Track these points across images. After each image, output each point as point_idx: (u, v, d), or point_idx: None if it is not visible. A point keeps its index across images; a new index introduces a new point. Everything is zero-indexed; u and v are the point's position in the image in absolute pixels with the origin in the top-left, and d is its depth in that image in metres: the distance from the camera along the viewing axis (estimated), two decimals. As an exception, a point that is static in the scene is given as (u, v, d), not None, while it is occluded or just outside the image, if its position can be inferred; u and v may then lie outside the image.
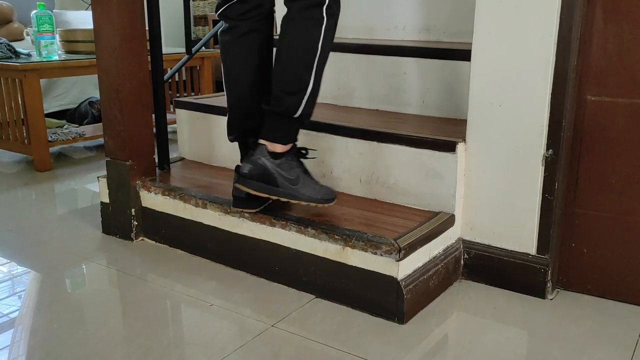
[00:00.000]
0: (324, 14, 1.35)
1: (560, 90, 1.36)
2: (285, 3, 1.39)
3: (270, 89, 1.43)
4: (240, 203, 1.50)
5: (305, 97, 1.39)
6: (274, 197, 1.44)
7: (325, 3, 1.34)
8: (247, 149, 1.48)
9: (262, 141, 1.42)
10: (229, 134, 1.56)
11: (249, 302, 1.44)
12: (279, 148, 1.42)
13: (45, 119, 2.67)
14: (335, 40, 2.01)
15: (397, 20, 2.06)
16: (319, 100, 1.99)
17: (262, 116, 1.45)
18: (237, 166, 1.48)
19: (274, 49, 1.45)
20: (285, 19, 1.38)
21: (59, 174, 2.62)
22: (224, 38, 1.50)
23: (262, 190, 1.42)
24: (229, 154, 1.88)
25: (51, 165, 2.66)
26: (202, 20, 4.81)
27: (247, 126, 1.51)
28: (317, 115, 1.77)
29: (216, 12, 1.48)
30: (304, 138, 1.71)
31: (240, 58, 1.48)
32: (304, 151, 1.47)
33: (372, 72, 1.88)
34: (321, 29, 1.35)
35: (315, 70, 1.38)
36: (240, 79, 1.49)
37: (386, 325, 1.33)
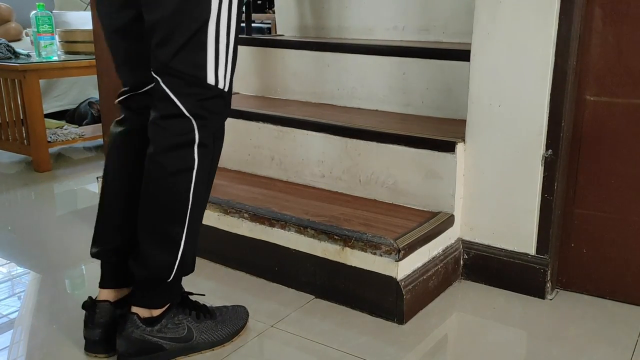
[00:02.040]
0: (195, 155, 1.06)
1: (559, 91, 1.36)
2: (149, 134, 1.08)
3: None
4: (94, 347, 1.21)
5: (179, 257, 1.12)
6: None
7: (195, 141, 1.06)
8: (114, 271, 1.22)
9: (133, 309, 1.15)
10: (93, 245, 1.23)
11: (249, 302, 1.44)
12: (155, 312, 1.15)
13: (45, 119, 2.66)
14: (335, 41, 2.02)
15: (396, 21, 2.06)
16: (319, 100, 2.01)
17: (133, 237, 1.18)
18: (87, 302, 1.21)
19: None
20: (147, 158, 1.08)
21: (58, 174, 2.62)
22: (117, 130, 1.20)
23: None
24: (228, 153, 1.88)
25: (51, 166, 2.66)
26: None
27: (120, 241, 1.21)
28: (316, 116, 1.78)
29: (117, 98, 1.21)
30: (300, 137, 1.71)
31: (128, 156, 1.19)
32: (188, 296, 1.23)
33: (371, 73, 1.88)
34: (191, 175, 1.07)
35: (188, 226, 1.10)
36: (122, 180, 1.20)
37: (385, 326, 1.33)
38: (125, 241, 1.20)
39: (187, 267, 1.16)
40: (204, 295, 1.29)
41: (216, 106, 1.08)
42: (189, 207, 1.09)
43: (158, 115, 1.07)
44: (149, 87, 1.14)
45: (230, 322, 1.26)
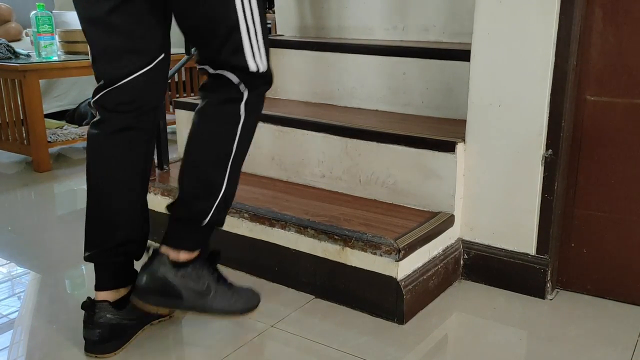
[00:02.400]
0: (242, 112, 1.17)
1: (559, 91, 1.36)
2: (200, 95, 1.22)
3: (144, 201, 1.25)
4: (94, 347, 1.22)
5: (216, 203, 1.19)
6: (180, 311, 1.25)
7: (243, 99, 1.16)
8: (109, 273, 1.23)
9: (163, 249, 1.19)
10: (86, 249, 1.24)
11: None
12: (183, 256, 1.19)
13: (45, 119, 2.66)
14: (335, 41, 2.03)
15: (396, 21, 2.06)
16: (319, 100, 2.01)
17: (139, 233, 1.25)
18: (86, 302, 1.23)
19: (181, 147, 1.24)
20: (198, 111, 1.20)
21: (58, 174, 2.62)
22: (93, 132, 1.20)
23: (163, 304, 1.21)
24: (229, 154, 1.88)
25: (50, 166, 2.66)
26: (201, 20, 4.81)
27: (112, 243, 1.22)
28: (317, 116, 1.78)
29: (92, 98, 1.21)
30: (300, 137, 1.71)
31: (112, 160, 1.19)
32: (216, 255, 1.26)
33: (371, 73, 1.88)
34: (237, 128, 1.17)
35: (229, 173, 1.19)
36: (108, 185, 1.21)
37: (386, 326, 1.33)
38: (123, 240, 1.22)
39: (222, 215, 1.23)
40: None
41: (260, 82, 1.19)
42: (232, 157, 1.18)
43: (210, 85, 1.19)
44: (125, 80, 1.15)
45: (245, 297, 1.29)
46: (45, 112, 2.75)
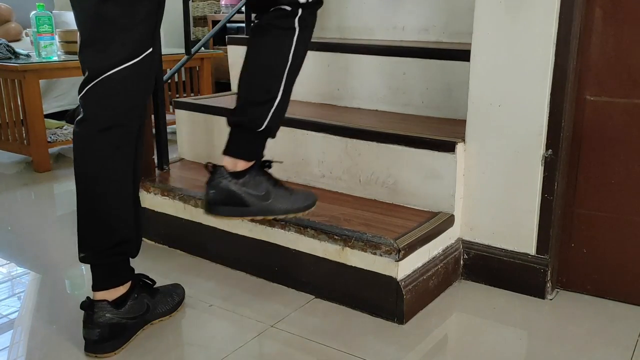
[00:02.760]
0: (296, 25, 1.27)
1: (559, 91, 1.36)
2: (255, 13, 1.34)
3: (136, 199, 1.26)
4: (94, 347, 1.22)
5: (272, 109, 1.28)
6: (249, 219, 1.35)
7: (298, 14, 1.26)
8: (106, 272, 1.24)
9: (223, 160, 1.30)
10: (80, 250, 1.24)
11: (249, 302, 1.44)
12: (240, 166, 1.29)
13: (45, 119, 2.66)
14: (335, 41, 2.02)
15: (396, 21, 2.06)
16: (319, 100, 2.01)
17: (134, 232, 1.25)
18: (85, 302, 1.23)
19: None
20: (254, 27, 1.30)
21: (58, 174, 2.62)
22: (79, 130, 1.17)
23: (233, 213, 1.31)
24: (229, 154, 1.88)
25: (50, 166, 2.66)
26: (201, 20, 4.81)
27: (108, 244, 1.21)
28: (317, 116, 1.78)
29: (78, 93, 1.18)
30: (300, 137, 1.71)
31: (101, 160, 1.17)
32: (267, 163, 1.36)
33: (371, 73, 1.88)
34: (292, 39, 1.27)
35: (285, 82, 1.28)
36: (100, 185, 1.19)
37: (386, 326, 1.33)
38: (119, 241, 1.22)
39: (276, 123, 1.31)
40: (281, 162, 1.50)
41: (311, 7, 1.30)
42: (287, 68, 1.27)
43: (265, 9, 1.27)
44: (111, 72, 1.13)
45: (303, 196, 1.39)
46: (45, 112, 2.74)
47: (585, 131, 1.41)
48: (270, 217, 1.35)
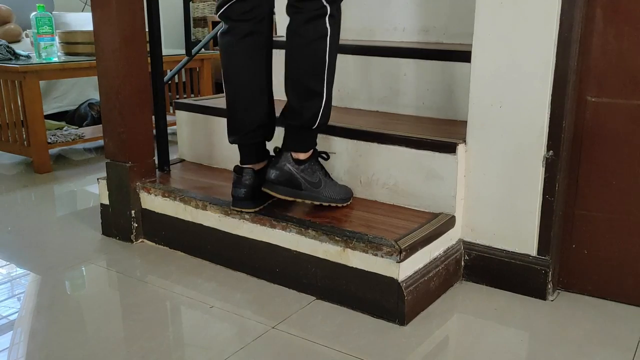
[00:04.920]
0: (327, 25, 1.37)
1: (560, 91, 1.36)
2: (288, 13, 1.41)
3: (270, 92, 1.51)
4: (239, 203, 1.53)
5: (322, 108, 1.44)
6: (299, 200, 1.49)
7: (327, 13, 1.37)
8: (250, 151, 1.52)
9: (286, 150, 1.48)
10: (230, 135, 1.54)
11: (250, 303, 1.44)
12: (302, 156, 1.47)
13: (45, 120, 2.66)
14: (335, 42, 2.02)
15: (396, 22, 2.06)
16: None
17: (269, 118, 1.52)
18: (237, 167, 1.53)
19: (284, 58, 1.45)
20: (289, 32, 1.41)
21: (58, 175, 2.62)
22: (224, 40, 1.49)
23: (288, 194, 1.47)
24: (229, 155, 1.88)
25: (51, 167, 2.66)
26: (201, 21, 4.81)
27: (250, 128, 1.51)
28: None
29: (217, 12, 1.48)
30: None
31: (241, 60, 1.47)
32: (324, 154, 1.53)
33: (371, 74, 1.88)
34: (326, 40, 1.38)
35: (327, 81, 1.42)
36: (242, 80, 1.48)
37: (387, 327, 1.33)
38: (258, 125, 1.50)
39: (327, 118, 1.48)
40: (334, 153, 1.64)
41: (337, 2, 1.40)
42: (326, 65, 1.41)
43: (296, 4, 1.37)
44: None
45: (344, 190, 1.57)
46: (45, 113, 2.75)
47: (586, 132, 1.41)
48: (317, 203, 1.51)
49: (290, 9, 1.41)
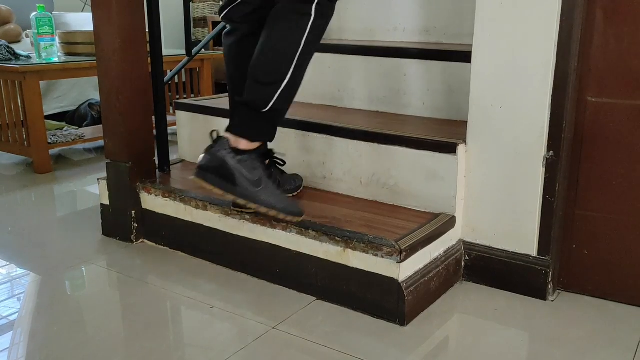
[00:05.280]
0: (313, 11, 1.29)
1: (560, 92, 1.36)
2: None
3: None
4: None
5: (279, 91, 1.30)
6: (230, 196, 1.35)
7: (315, 0, 1.29)
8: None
9: (226, 134, 1.33)
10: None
11: (250, 304, 1.44)
12: (242, 144, 1.32)
13: (45, 121, 2.66)
14: (335, 42, 2.02)
15: (397, 22, 2.06)
16: (320, 102, 2.01)
17: None
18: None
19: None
20: (273, 11, 1.34)
21: (58, 176, 2.62)
22: (227, 40, 1.51)
23: (218, 185, 1.32)
24: (229, 155, 1.88)
25: (51, 168, 2.66)
26: (201, 22, 4.81)
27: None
28: (317, 117, 1.78)
29: (220, 14, 1.49)
30: (301, 139, 1.71)
31: (243, 61, 1.46)
32: (271, 155, 1.39)
33: (372, 74, 1.88)
34: (307, 24, 1.29)
35: (295, 65, 1.30)
36: (244, 81, 1.42)
37: (387, 327, 1.33)
38: None
39: (283, 106, 1.34)
40: (284, 162, 1.54)
41: None
42: (299, 52, 1.29)
43: None
44: None
45: (292, 203, 1.42)
46: (45, 114, 2.75)
47: (586, 132, 1.41)
48: (253, 207, 1.34)
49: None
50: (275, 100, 1.30)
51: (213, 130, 1.34)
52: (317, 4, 1.29)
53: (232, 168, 1.30)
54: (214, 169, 1.30)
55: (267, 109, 1.30)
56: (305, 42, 1.30)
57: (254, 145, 1.33)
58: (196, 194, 1.68)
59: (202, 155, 1.32)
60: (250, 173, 1.32)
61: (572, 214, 1.46)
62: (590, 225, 1.45)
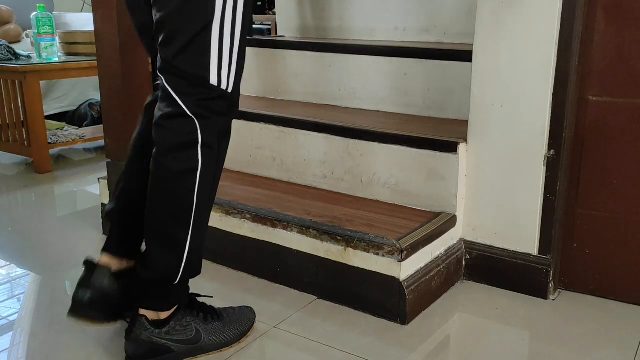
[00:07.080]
0: (199, 157, 1.05)
1: (561, 91, 1.36)
2: (153, 134, 1.08)
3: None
4: (81, 310, 1.18)
5: (184, 261, 1.10)
6: None
7: (198, 142, 1.04)
8: (118, 234, 1.21)
9: (141, 311, 1.14)
10: (108, 204, 1.26)
11: (251, 303, 1.44)
12: (163, 315, 1.15)
13: (45, 120, 2.66)
14: (336, 42, 2.02)
15: (397, 22, 2.06)
16: (320, 101, 2.01)
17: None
18: (87, 260, 1.20)
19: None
20: (152, 158, 1.07)
21: (58, 176, 2.62)
22: (149, 100, 1.26)
23: None
24: (230, 155, 1.87)
25: (51, 167, 2.66)
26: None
27: (125, 204, 1.21)
28: (318, 116, 1.78)
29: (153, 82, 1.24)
30: (301, 139, 1.71)
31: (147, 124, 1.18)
32: (195, 298, 1.22)
33: (372, 73, 1.88)
34: (195, 176, 1.06)
35: (193, 226, 1.09)
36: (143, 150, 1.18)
37: (388, 326, 1.33)
38: (137, 206, 1.15)
39: (194, 270, 1.15)
40: (211, 297, 1.29)
41: (219, 106, 1.06)
42: (194, 209, 1.08)
43: (161, 115, 1.05)
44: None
45: (238, 323, 1.25)
46: (45, 114, 2.74)
47: (587, 131, 1.41)
48: (203, 355, 1.20)
49: (155, 130, 1.07)
50: (183, 270, 1.11)
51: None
52: (202, 145, 1.05)
53: (163, 345, 1.14)
54: (146, 354, 1.13)
55: (177, 282, 1.12)
56: (197, 197, 1.07)
57: (173, 310, 1.16)
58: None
59: (125, 343, 1.14)
60: (184, 334, 1.16)
61: (573, 213, 1.46)
62: (591, 224, 1.45)
